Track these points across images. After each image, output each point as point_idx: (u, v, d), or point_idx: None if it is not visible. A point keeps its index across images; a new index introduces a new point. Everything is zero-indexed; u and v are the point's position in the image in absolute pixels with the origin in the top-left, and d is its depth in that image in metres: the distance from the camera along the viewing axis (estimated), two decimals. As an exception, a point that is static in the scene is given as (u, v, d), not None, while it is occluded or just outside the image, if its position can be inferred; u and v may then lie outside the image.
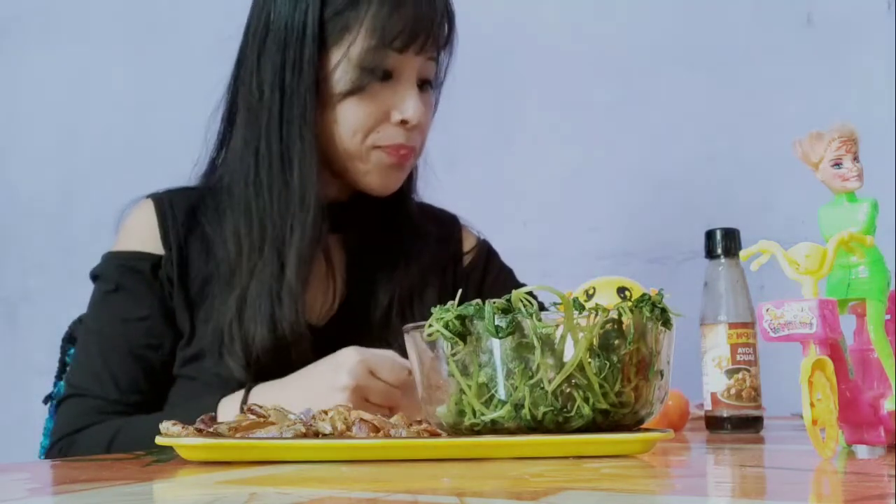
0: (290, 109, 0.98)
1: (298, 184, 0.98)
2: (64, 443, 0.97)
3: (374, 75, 0.98)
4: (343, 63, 0.97)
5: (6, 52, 1.77)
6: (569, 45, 1.58)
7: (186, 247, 1.01)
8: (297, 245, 0.97)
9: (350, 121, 0.99)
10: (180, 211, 1.03)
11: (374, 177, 1.02)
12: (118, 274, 1.01)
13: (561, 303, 0.60)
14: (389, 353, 0.88)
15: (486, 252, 1.20)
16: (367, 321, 1.05)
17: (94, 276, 1.03)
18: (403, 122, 0.99)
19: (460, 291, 0.63)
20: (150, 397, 0.99)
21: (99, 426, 0.95)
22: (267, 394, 0.89)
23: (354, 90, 0.98)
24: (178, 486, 0.52)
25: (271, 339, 0.94)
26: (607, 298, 0.92)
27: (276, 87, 0.98)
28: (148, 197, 1.05)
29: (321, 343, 0.95)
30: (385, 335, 1.01)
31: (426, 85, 1.03)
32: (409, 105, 0.99)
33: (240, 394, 0.91)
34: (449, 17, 1.04)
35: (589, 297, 0.93)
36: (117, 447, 0.91)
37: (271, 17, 0.99)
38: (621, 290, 0.94)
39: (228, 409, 0.90)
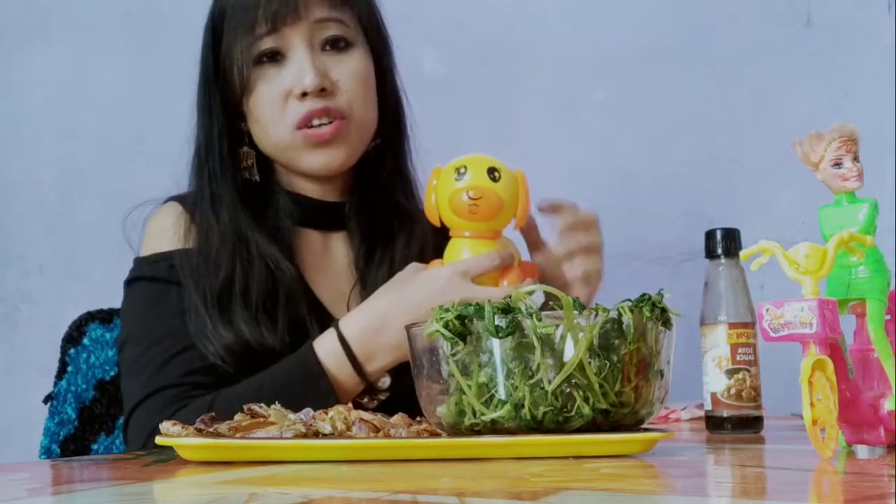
0: (202, 152, 1.04)
1: (228, 220, 1.01)
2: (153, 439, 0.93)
3: (262, 62, 0.99)
4: (236, 70, 0.99)
5: (6, 52, 1.77)
6: (568, 45, 1.58)
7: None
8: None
9: (259, 113, 1.00)
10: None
11: (308, 157, 1.01)
12: (165, 271, 1.00)
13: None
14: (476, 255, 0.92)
15: None
16: None
17: (134, 280, 1.02)
18: (305, 94, 0.98)
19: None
20: (227, 375, 0.95)
21: (188, 406, 0.92)
22: (356, 323, 0.91)
23: (249, 85, 0.99)
24: (178, 486, 0.52)
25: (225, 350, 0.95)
26: (479, 179, 0.92)
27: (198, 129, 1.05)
28: (171, 200, 1.06)
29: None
30: None
31: (338, 43, 1.01)
32: (301, 74, 0.97)
33: (330, 333, 0.92)
34: None
35: (460, 174, 0.92)
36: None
37: (199, 59, 1.05)
38: (491, 171, 0.94)
39: (326, 346, 0.91)
